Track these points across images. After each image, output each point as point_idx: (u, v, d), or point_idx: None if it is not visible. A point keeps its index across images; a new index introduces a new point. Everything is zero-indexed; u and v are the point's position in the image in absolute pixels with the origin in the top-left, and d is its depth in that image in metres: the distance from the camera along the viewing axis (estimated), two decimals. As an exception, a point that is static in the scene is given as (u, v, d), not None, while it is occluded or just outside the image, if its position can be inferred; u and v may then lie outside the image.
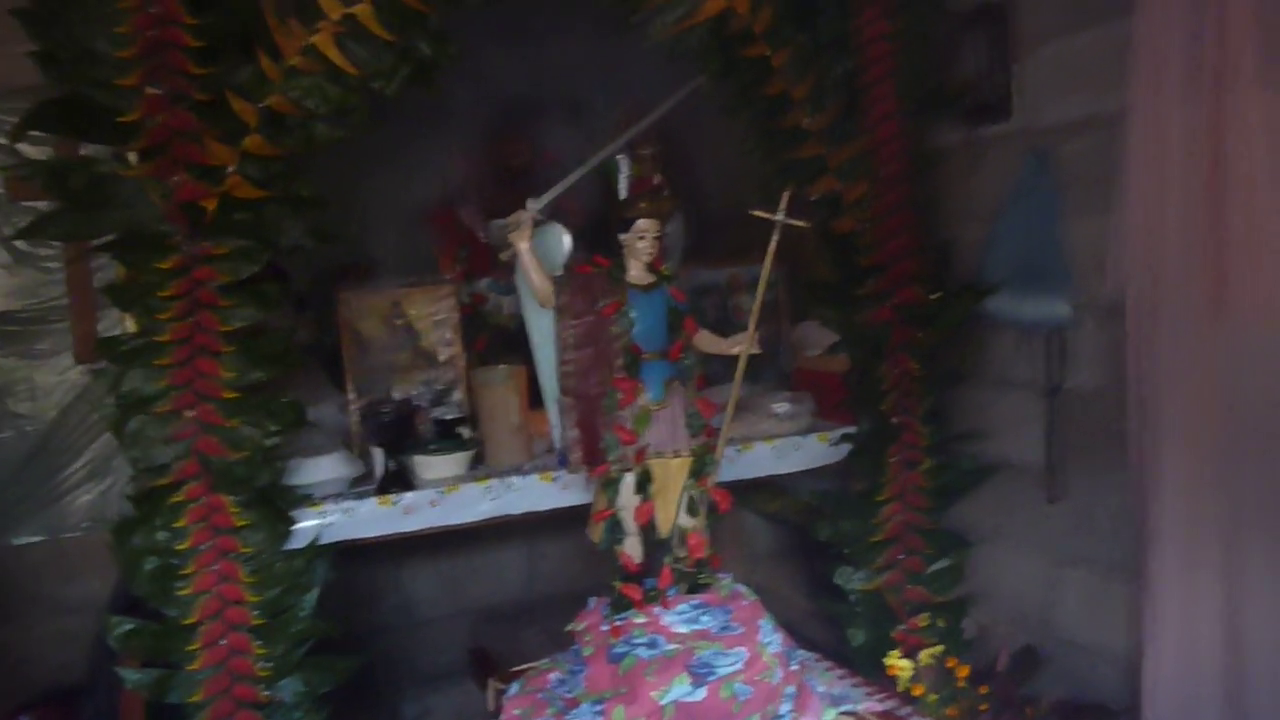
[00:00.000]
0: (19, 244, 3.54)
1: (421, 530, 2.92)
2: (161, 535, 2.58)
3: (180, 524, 2.57)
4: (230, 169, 2.58)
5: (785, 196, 2.61)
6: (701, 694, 2.46)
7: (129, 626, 2.59)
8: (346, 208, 3.80)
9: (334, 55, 2.61)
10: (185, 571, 2.58)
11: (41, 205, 3.36)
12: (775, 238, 2.62)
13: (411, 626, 4.08)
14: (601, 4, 2.99)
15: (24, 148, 3.46)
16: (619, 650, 2.56)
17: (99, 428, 3.62)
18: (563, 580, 4.23)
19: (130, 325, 2.65)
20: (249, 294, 2.64)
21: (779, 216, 2.60)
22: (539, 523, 3.23)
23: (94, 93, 2.53)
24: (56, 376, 3.61)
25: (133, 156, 2.56)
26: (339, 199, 2.95)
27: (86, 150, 3.20)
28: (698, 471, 2.65)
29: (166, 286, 2.55)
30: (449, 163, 3.82)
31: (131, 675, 2.59)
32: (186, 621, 2.58)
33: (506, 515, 3.00)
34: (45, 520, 3.66)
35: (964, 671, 2.95)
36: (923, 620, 3.23)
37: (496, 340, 3.50)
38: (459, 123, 3.87)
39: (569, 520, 3.12)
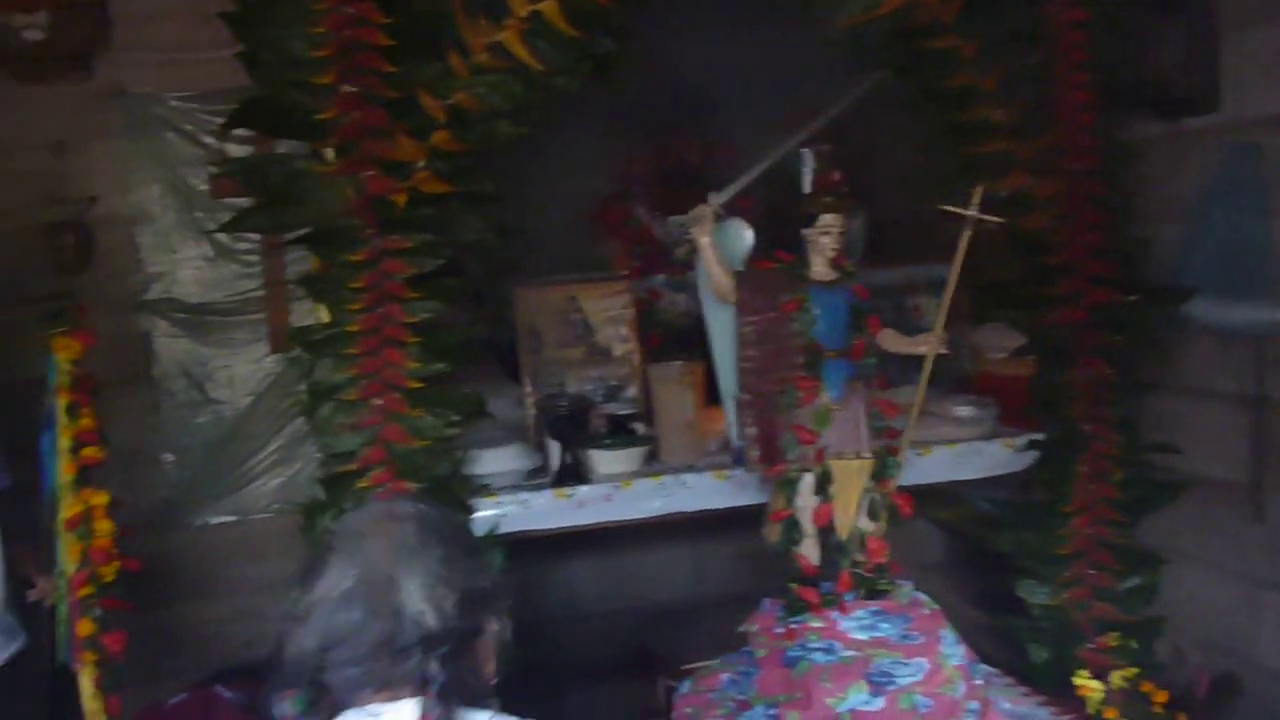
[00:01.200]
0: (220, 238, 3.71)
1: (594, 524, 2.93)
2: (347, 519, 2.66)
3: (365, 509, 2.65)
4: (419, 164, 2.64)
5: (978, 192, 2.51)
6: (880, 704, 2.40)
7: (315, 605, 2.68)
8: (523, 204, 3.86)
9: (520, 51, 2.64)
10: (369, 556, 2.64)
11: (241, 202, 3.57)
12: (966, 234, 2.52)
13: (575, 621, 4.11)
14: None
15: (225, 147, 3.65)
16: (794, 654, 2.51)
17: (289, 415, 3.77)
18: (727, 581, 4.18)
19: (323, 316, 2.74)
20: (432, 288, 2.71)
21: (971, 212, 2.50)
22: (703, 522, 3.21)
23: (292, 92, 2.63)
24: (252, 365, 3.78)
25: (328, 153, 2.65)
26: (516, 195, 3.01)
27: (282, 148, 3.36)
28: (879, 474, 2.57)
29: (356, 278, 2.63)
30: (623, 160, 3.83)
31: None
32: (369, 604, 2.65)
33: (678, 512, 2.99)
34: (236, 502, 3.83)
35: (1161, 697, 2.78)
36: (1112, 639, 3.06)
37: (670, 337, 3.49)
38: (633, 119, 3.87)
39: (734, 520, 3.09)
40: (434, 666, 1.24)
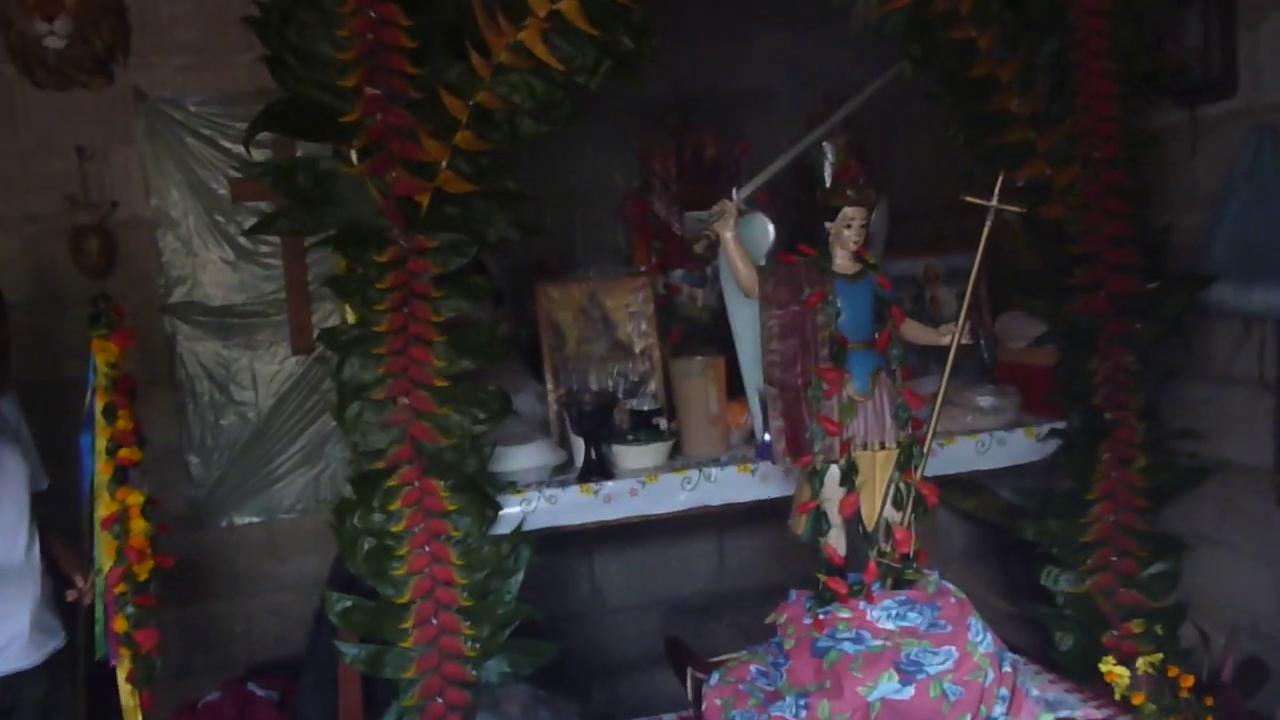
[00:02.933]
0: (242, 241, 3.75)
1: (621, 519, 2.95)
2: (377, 517, 2.69)
3: (395, 507, 2.67)
4: (443, 164, 2.66)
5: (999, 181, 2.51)
6: (910, 692, 2.40)
7: (347, 603, 2.71)
8: (544, 201, 3.88)
9: (541, 51, 2.66)
10: (399, 552, 2.67)
11: (260, 205, 3.60)
12: (988, 224, 2.52)
13: (602, 615, 4.14)
14: (796, -8, 2.96)
15: (244, 150, 3.67)
16: (823, 644, 2.52)
17: (313, 415, 3.81)
18: (751, 574, 4.22)
19: (349, 317, 2.76)
20: (457, 286, 2.73)
21: (993, 202, 2.51)
22: (727, 516, 3.22)
23: (317, 94, 2.65)
24: (274, 366, 3.82)
25: (353, 155, 2.67)
26: (538, 193, 3.02)
27: (304, 150, 3.39)
28: (904, 464, 2.58)
29: (383, 278, 2.65)
30: (642, 155, 3.84)
31: (349, 650, 2.70)
32: (400, 600, 2.68)
33: (704, 506, 3.00)
34: (263, 502, 3.88)
35: (1188, 682, 2.78)
36: (1137, 626, 3.06)
37: (690, 331, 3.51)
38: (653, 115, 3.89)
39: (757, 513, 3.10)
40: None
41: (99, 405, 2.35)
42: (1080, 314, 3.14)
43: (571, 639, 3.88)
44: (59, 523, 2.71)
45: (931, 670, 2.42)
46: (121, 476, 2.35)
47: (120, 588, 2.32)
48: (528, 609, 2.76)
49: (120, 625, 2.34)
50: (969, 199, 2.53)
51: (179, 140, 3.73)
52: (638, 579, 4.21)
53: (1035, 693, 2.62)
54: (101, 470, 2.33)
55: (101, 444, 2.33)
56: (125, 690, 2.46)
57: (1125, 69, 3.10)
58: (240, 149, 3.63)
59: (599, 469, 2.97)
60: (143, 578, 2.36)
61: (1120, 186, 3.10)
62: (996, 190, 2.53)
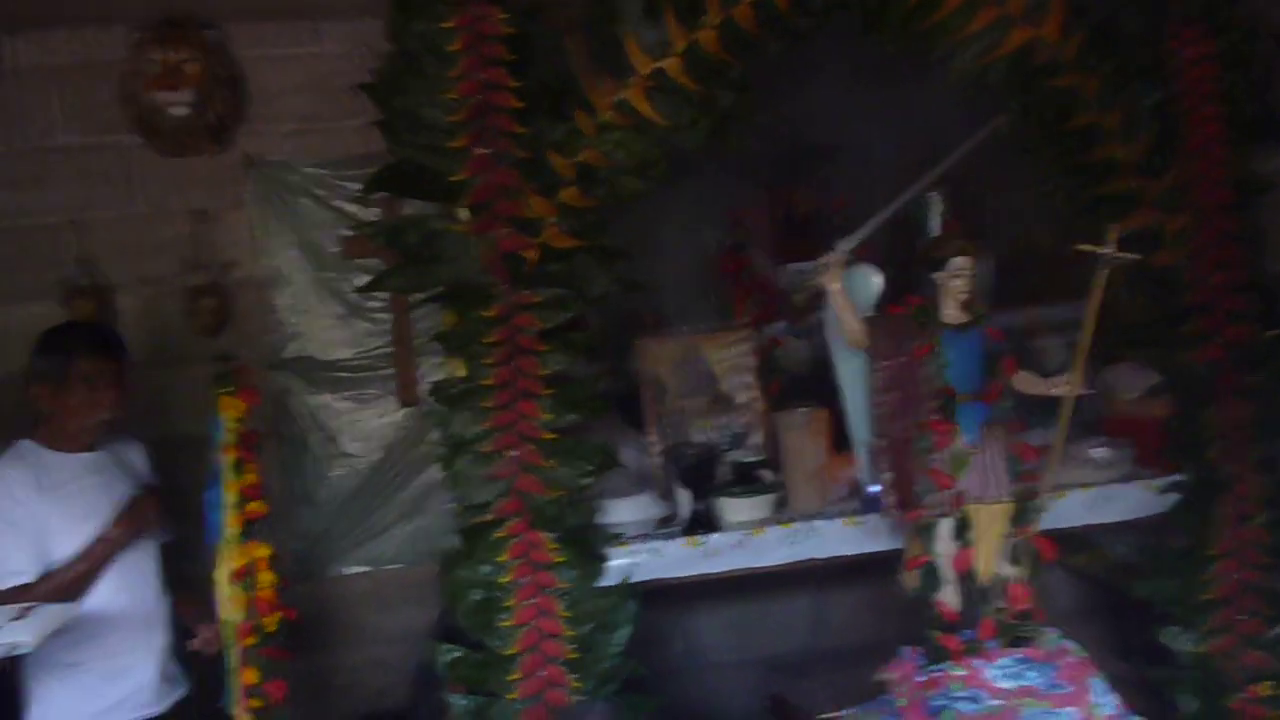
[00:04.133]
0: (350, 298, 3.85)
1: (726, 572, 2.94)
2: (484, 569, 2.71)
3: (502, 559, 2.70)
4: (549, 221, 2.71)
5: (1114, 230, 2.48)
6: (1029, 754, 2.34)
7: (456, 654, 2.73)
8: (645, 257, 3.92)
9: (644, 108, 2.72)
10: (506, 604, 2.69)
11: (369, 263, 3.69)
12: (1103, 273, 2.49)
13: (699, 670, 4.09)
14: (893, 47, 2.97)
15: (354, 211, 3.79)
16: (937, 703, 2.47)
17: (418, 467, 3.87)
18: (851, 631, 4.13)
19: (457, 370, 2.81)
20: (561, 341, 2.77)
21: (1107, 250, 2.48)
22: (827, 571, 3.18)
23: (425, 156, 2.73)
24: (382, 419, 3.89)
25: (462, 213, 2.73)
26: (639, 248, 3.06)
27: (411, 209, 3.49)
28: (1019, 519, 2.53)
29: (490, 333, 2.71)
30: (741, 210, 3.87)
31: (458, 701, 2.72)
32: (507, 652, 2.69)
33: (809, 560, 2.97)
34: (368, 553, 3.93)
35: (1323, 748, 2.67)
36: (1264, 689, 2.94)
37: (791, 383, 3.49)
38: (751, 170, 3.92)
39: (857, 569, 3.06)
40: None
41: (227, 460, 2.42)
42: (1195, 364, 3.06)
43: (670, 695, 3.85)
44: (179, 576, 2.78)
45: (1052, 732, 2.36)
46: (249, 530, 2.42)
47: (251, 640, 2.38)
48: (633, 663, 2.75)
49: (251, 676, 2.40)
50: (1084, 248, 2.50)
51: (292, 202, 3.85)
52: (735, 634, 4.15)
53: (1161, 758, 2.53)
54: (231, 523, 2.39)
55: (231, 497, 2.40)
56: (244, 741, 2.50)
57: (1233, 113, 3.04)
58: (349, 209, 3.77)
59: (704, 522, 2.97)
60: (271, 629, 2.42)
61: (1233, 233, 3.03)
62: (1111, 239, 2.49)
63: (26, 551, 2.49)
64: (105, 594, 2.55)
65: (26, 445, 2.58)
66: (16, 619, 2.17)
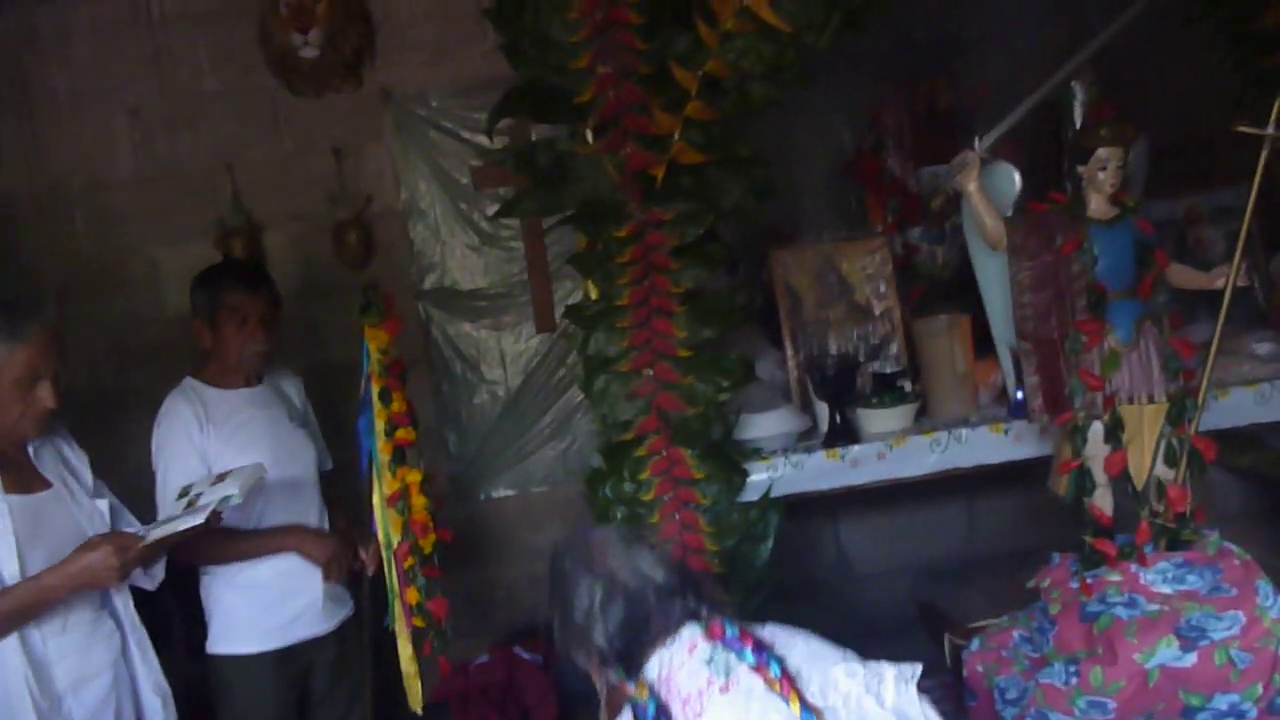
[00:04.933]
0: (484, 227, 3.91)
1: (868, 484, 2.91)
2: (628, 486, 2.76)
3: (644, 476, 2.74)
4: (675, 136, 2.68)
5: (1277, 107, 2.30)
6: (1192, 659, 2.27)
7: (604, 571, 2.79)
8: (778, 165, 3.85)
9: (767, 14, 2.63)
10: (651, 520, 2.73)
11: (501, 192, 3.73)
12: (1265, 154, 2.32)
13: (849, 581, 4.09)
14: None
15: (484, 140, 3.83)
16: (1093, 609, 2.41)
17: (559, 391, 3.94)
18: (1003, 538, 4.05)
19: (592, 292, 2.83)
20: (694, 256, 2.75)
21: (1271, 130, 2.30)
22: (977, 478, 3.11)
23: (551, 77, 2.73)
24: (520, 344, 3.96)
25: (588, 134, 2.73)
26: (771, 156, 3.00)
27: (539, 134, 3.50)
28: (1177, 418, 2.42)
29: (623, 253, 2.71)
30: (872, 111, 3.74)
31: (609, 615, 2.78)
32: (654, 568, 2.73)
33: (955, 468, 2.92)
34: (516, 476, 4.04)
35: None
36: None
37: (931, 290, 3.41)
38: (884, 68, 3.78)
39: (1008, 475, 2.99)
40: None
41: (375, 389, 2.51)
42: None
43: (821, 605, 3.87)
44: (340, 500, 2.92)
45: (1216, 636, 2.28)
46: (400, 456, 2.51)
47: (410, 561, 2.49)
48: (779, 575, 2.77)
49: (413, 596, 2.51)
50: (1242, 129, 2.33)
51: (424, 134, 3.91)
52: (885, 544, 4.13)
53: (1337, 661, 2.41)
54: (382, 450, 2.49)
55: (380, 426, 2.49)
56: (405, 656, 2.62)
57: None
58: (480, 138, 3.79)
59: (844, 433, 2.94)
60: (428, 551, 2.52)
61: None
62: (1274, 116, 2.32)
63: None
64: (271, 517, 2.68)
65: (189, 383, 2.72)
66: (215, 483, 2.30)
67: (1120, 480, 2.47)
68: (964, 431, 2.92)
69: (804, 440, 3.01)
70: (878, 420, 2.97)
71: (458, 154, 3.93)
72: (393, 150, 3.95)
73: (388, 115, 3.92)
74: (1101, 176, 2.41)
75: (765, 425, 2.94)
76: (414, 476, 2.51)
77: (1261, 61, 2.87)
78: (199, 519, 2.14)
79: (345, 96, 3.92)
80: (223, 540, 2.58)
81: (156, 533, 2.13)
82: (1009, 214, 2.61)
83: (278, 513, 2.69)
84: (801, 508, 3.01)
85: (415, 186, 3.95)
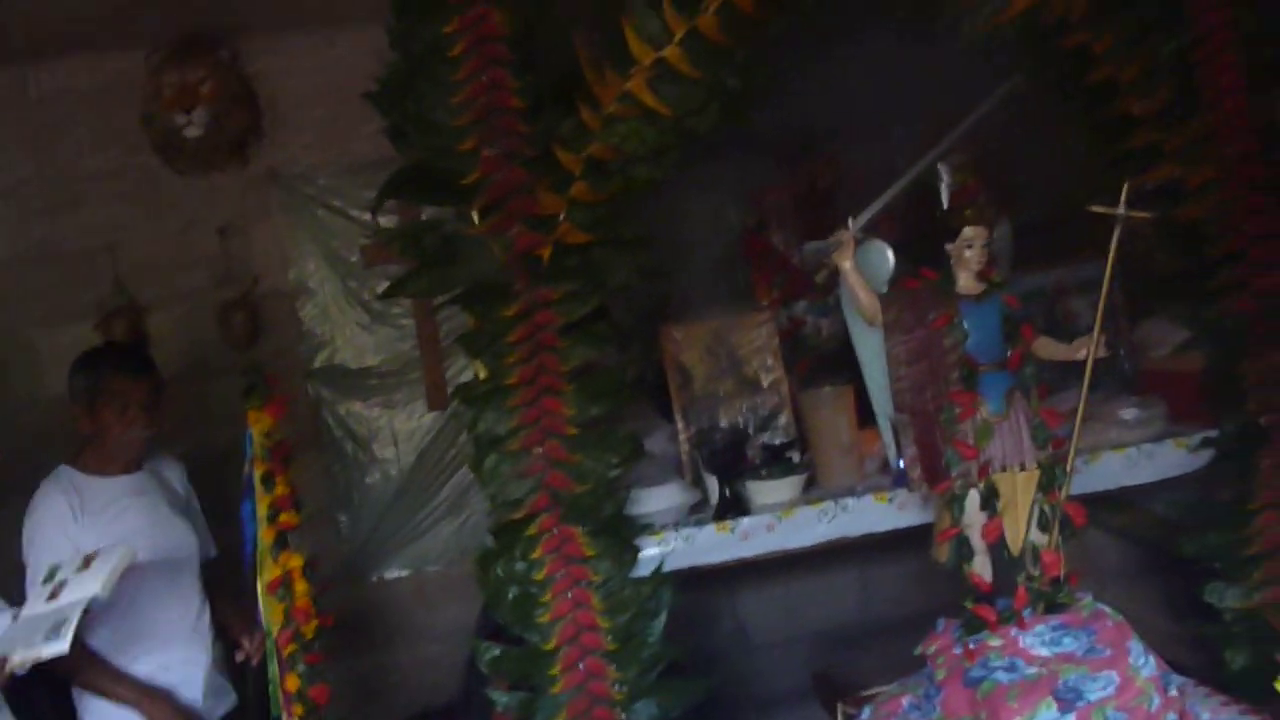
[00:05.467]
0: (374, 305, 3.90)
1: (759, 556, 2.94)
2: (520, 565, 2.74)
3: (536, 554, 2.72)
4: (561, 217, 2.72)
5: (1125, 188, 2.44)
6: (1070, 721, 2.33)
7: (496, 652, 2.76)
8: (662, 244, 3.92)
9: (649, 99, 2.70)
10: (543, 599, 2.72)
11: (391, 269, 3.73)
12: (1117, 233, 2.45)
13: (747, 652, 4.11)
14: (899, 15, 2.94)
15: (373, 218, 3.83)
16: (976, 674, 2.46)
17: (452, 468, 3.92)
18: (898, 603, 4.12)
19: (480, 371, 2.84)
20: (583, 334, 2.78)
21: (1120, 210, 2.44)
22: (870, 545, 3.17)
23: (437, 160, 2.75)
24: (413, 423, 3.95)
25: (475, 215, 2.75)
26: (655, 236, 3.06)
27: (428, 214, 3.52)
28: (1048, 485, 2.51)
29: (511, 332, 2.72)
30: (756, 191, 3.85)
31: (501, 698, 2.75)
32: (546, 647, 2.71)
33: (843, 537, 2.97)
34: (410, 555, 3.99)
35: (1375, 699, 2.62)
36: (1315, 641, 2.90)
37: (817, 363, 3.48)
38: (762, 151, 3.91)
39: (901, 542, 3.05)
40: None
41: (257, 474, 2.47)
42: (1226, 316, 3.02)
43: (718, 677, 3.86)
44: (225, 587, 2.85)
45: (1092, 697, 2.34)
46: (282, 541, 2.47)
47: (290, 648, 2.43)
48: (673, 649, 2.77)
49: (292, 684, 2.45)
50: (1096, 209, 2.47)
51: (312, 213, 3.91)
52: (782, 614, 4.16)
53: (1206, 716, 2.50)
54: (264, 536, 2.45)
55: (262, 510, 2.45)
56: (295, 747, 2.55)
57: (1252, 58, 2.98)
58: (369, 217, 3.79)
59: (734, 506, 2.98)
60: (309, 636, 2.47)
61: (1259, 181, 2.97)
62: (1124, 197, 2.46)
63: None
64: (149, 610, 2.60)
65: (65, 471, 2.65)
66: (82, 569, 2.22)
67: (997, 546, 2.54)
68: (850, 501, 2.97)
69: (695, 514, 3.04)
70: (767, 492, 3.01)
71: (347, 232, 3.93)
72: (280, 229, 3.93)
73: (275, 194, 3.92)
74: (968, 254, 2.51)
75: (657, 500, 2.96)
76: (296, 561, 2.47)
77: (1114, 146, 3.04)
78: (63, 645, 2.07)
79: (232, 176, 3.91)
80: (85, 667, 2.49)
81: (17, 657, 2.06)
82: (884, 290, 2.70)
83: (155, 603, 2.62)
84: (699, 580, 3.02)
85: (304, 265, 3.94)
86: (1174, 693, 2.43)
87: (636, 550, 2.80)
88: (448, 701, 3.80)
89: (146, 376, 2.70)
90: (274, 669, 2.48)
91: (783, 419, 3.30)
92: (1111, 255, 2.47)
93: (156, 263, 3.89)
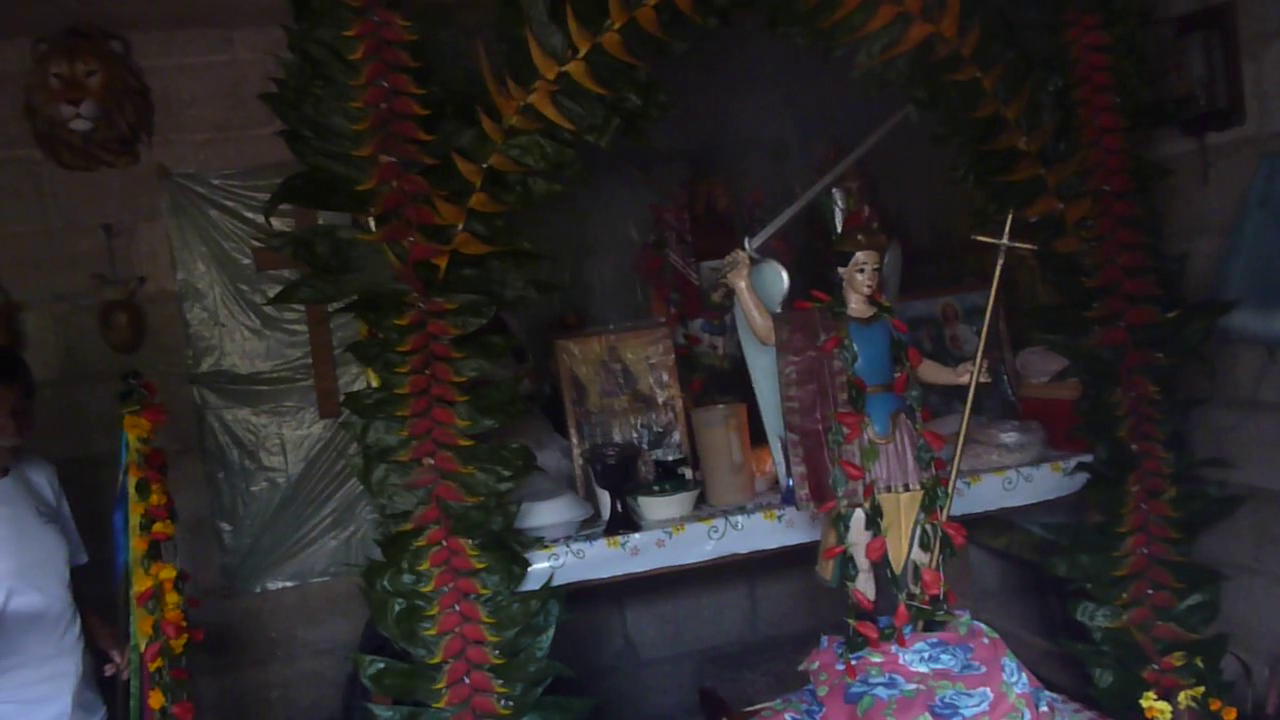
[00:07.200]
0: (267, 310, 3.81)
1: (649, 571, 2.95)
2: (407, 579, 2.70)
3: (423, 567, 2.69)
4: (459, 227, 2.70)
5: (1008, 220, 2.54)
6: (946, 736, 2.39)
7: (380, 666, 2.71)
8: (560, 258, 3.93)
9: (550, 112, 2.71)
10: (429, 613, 2.68)
11: (284, 274, 3.66)
12: (1000, 263, 2.54)
13: (635, 668, 4.12)
14: (796, 45, 3.00)
15: (266, 221, 3.74)
16: (856, 690, 2.51)
17: (341, 479, 3.84)
18: (784, 621, 4.19)
19: (372, 381, 2.80)
20: (477, 346, 2.76)
21: (1003, 241, 2.53)
22: (758, 563, 3.21)
23: (333, 165, 2.71)
24: (303, 430, 3.86)
25: (370, 222, 2.72)
26: (553, 250, 3.07)
27: (324, 219, 3.46)
28: (929, 505, 2.58)
29: (404, 342, 2.69)
30: (655, 209, 3.89)
31: (383, 712, 2.70)
32: (432, 661, 2.68)
33: (732, 555, 3.00)
34: (295, 567, 3.90)
35: (1231, 715, 2.75)
36: (1177, 659, 3.02)
37: (711, 380, 3.53)
38: (661, 169, 3.95)
39: (789, 559, 3.09)
40: None
41: (131, 482, 2.39)
42: (1101, 346, 3.14)
43: (606, 693, 3.88)
44: (96, 598, 2.74)
45: (967, 713, 2.41)
46: (155, 552, 2.39)
47: (157, 662, 2.35)
48: (560, 666, 2.76)
49: (157, 700, 2.37)
50: (980, 238, 2.56)
51: (203, 214, 3.81)
52: (670, 630, 4.19)
53: (1075, 731, 2.59)
54: (136, 546, 2.36)
55: (135, 520, 2.37)
56: (162, 763, 2.47)
57: (1130, 102, 3.12)
58: (263, 220, 3.71)
59: (625, 521, 2.98)
60: (178, 651, 2.39)
61: (1132, 218, 3.11)
62: (1007, 228, 2.55)
63: None
64: (14, 622, 2.49)
65: (-73, 478, 2.53)
66: None
67: (881, 565, 2.60)
68: (740, 519, 3.00)
69: (586, 528, 3.04)
70: (658, 508, 3.03)
71: (239, 235, 3.84)
72: (169, 229, 3.82)
73: (165, 193, 3.80)
74: (859, 278, 2.57)
75: (548, 514, 2.95)
76: (168, 573, 2.39)
77: (997, 179, 3.15)
78: None
79: (119, 172, 3.78)
80: None
81: None
82: (778, 310, 2.74)
83: (21, 616, 2.50)
84: (589, 595, 3.02)
85: (193, 267, 3.83)
86: (1044, 709, 2.51)
87: (526, 564, 2.79)
88: (329, 717, 3.73)
89: (16, 381, 2.58)
90: (136, 684, 2.39)
91: (676, 435, 3.32)
92: (995, 284, 2.56)
93: (34, 259, 3.74)
